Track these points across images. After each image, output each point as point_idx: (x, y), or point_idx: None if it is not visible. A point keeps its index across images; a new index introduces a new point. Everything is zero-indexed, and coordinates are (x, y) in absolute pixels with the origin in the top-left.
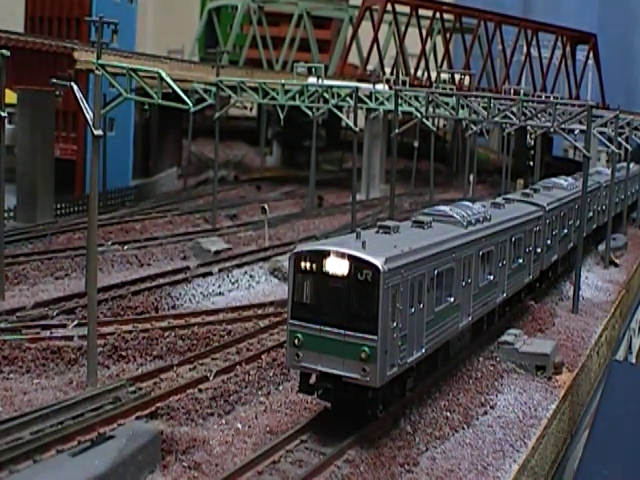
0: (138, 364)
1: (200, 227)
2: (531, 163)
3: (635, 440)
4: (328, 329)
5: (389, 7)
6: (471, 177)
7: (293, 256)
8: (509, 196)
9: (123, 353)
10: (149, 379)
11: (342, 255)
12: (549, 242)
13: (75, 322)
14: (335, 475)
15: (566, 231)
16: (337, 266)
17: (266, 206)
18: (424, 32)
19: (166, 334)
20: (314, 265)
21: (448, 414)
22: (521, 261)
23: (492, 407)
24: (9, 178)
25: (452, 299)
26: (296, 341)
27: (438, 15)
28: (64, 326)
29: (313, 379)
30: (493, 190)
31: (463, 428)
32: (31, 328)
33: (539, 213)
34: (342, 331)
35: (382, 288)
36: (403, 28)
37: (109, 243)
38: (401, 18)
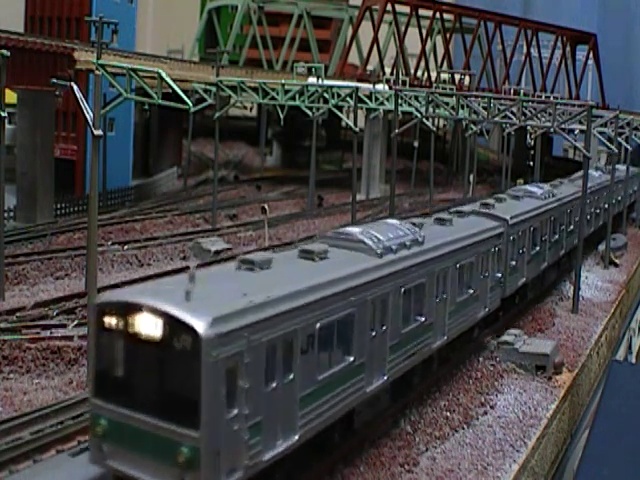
0: None
1: (200, 227)
2: (531, 163)
3: (635, 440)
4: (138, 416)
5: (389, 7)
6: (471, 177)
7: (95, 309)
8: (464, 208)
9: None
10: None
11: (154, 311)
12: (514, 263)
13: (75, 322)
14: (335, 475)
15: (538, 248)
16: (149, 326)
17: (266, 206)
18: (424, 32)
19: None
20: (121, 323)
21: (448, 414)
22: (472, 291)
23: (492, 407)
24: (9, 178)
25: (352, 357)
26: (99, 429)
27: (438, 15)
28: (64, 326)
29: None
30: (493, 190)
31: (463, 428)
32: (31, 328)
33: (500, 229)
34: (155, 420)
35: (205, 361)
36: (403, 28)
37: (109, 243)
38: (401, 18)
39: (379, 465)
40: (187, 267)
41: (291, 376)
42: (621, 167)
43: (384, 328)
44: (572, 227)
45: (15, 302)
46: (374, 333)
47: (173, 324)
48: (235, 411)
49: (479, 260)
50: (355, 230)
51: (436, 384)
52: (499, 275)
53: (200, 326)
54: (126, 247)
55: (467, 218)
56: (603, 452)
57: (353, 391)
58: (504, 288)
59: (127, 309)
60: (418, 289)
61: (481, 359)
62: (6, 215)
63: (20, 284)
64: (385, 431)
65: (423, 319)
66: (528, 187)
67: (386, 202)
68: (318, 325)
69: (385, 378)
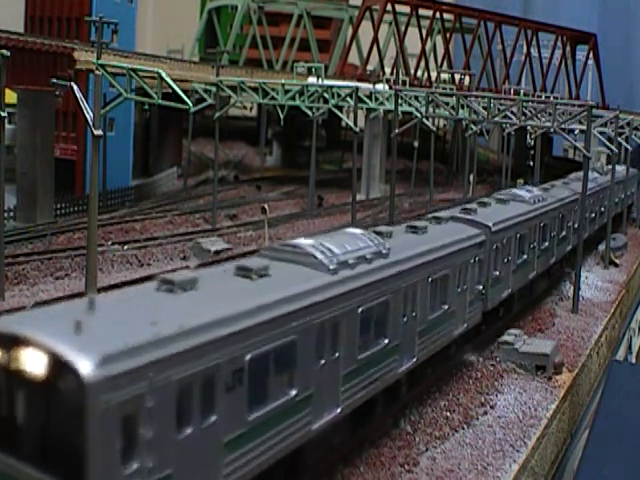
0: None
1: (200, 227)
2: (531, 163)
3: (635, 440)
4: (20, 466)
5: (389, 7)
6: (471, 177)
7: None
8: (442, 214)
9: None
10: None
11: (38, 345)
12: (498, 274)
13: None
14: (335, 475)
15: (526, 257)
16: (31, 363)
17: (266, 206)
18: (424, 32)
19: None
20: (4, 357)
21: (448, 414)
22: (447, 307)
23: (492, 407)
24: (9, 178)
25: (294, 391)
26: None
27: (438, 15)
28: None
29: None
30: (493, 190)
31: (463, 428)
32: None
33: (481, 237)
34: (38, 474)
35: (92, 408)
36: (403, 28)
37: (109, 243)
38: (401, 18)
39: (379, 465)
40: (187, 267)
41: (213, 418)
42: (619, 168)
43: (336, 355)
44: (564, 233)
45: (15, 302)
46: (323, 361)
47: (56, 362)
48: (135, 465)
49: (456, 272)
50: (305, 242)
51: (436, 384)
52: (480, 287)
53: (85, 366)
54: (126, 247)
55: (444, 225)
56: (603, 452)
57: (296, 429)
58: (486, 301)
59: (9, 341)
60: (380, 308)
61: (481, 359)
62: (6, 215)
63: (20, 284)
64: (385, 431)
65: (386, 341)
66: (516, 191)
67: (386, 202)
68: (249, 357)
69: (338, 411)
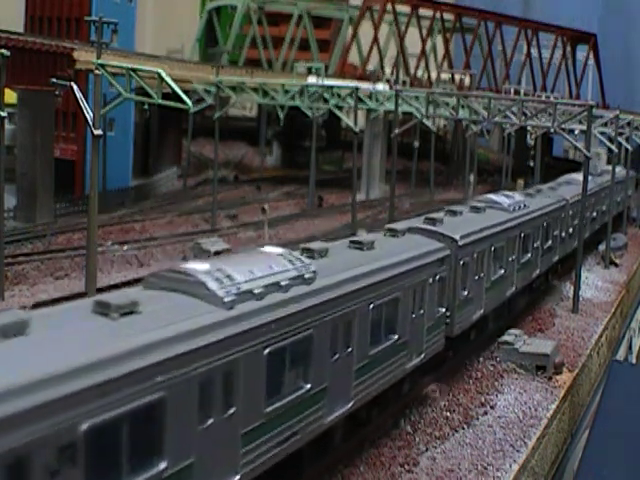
0: None
1: (200, 227)
2: (531, 163)
3: (635, 440)
4: None
5: (389, 7)
6: (471, 177)
7: None
8: (399, 225)
9: None
10: None
11: None
12: (466, 293)
13: None
14: (335, 475)
15: (503, 272)
16: None
17: (266, 206)
18: (424, 32)
19: None
20: None
21: (448, 414)
22: (396, 337)
23: (492, 407)
24: (9, 178)
25: (164, 464)
26: None
27: (438, 15)
28: None
29: None
30: (493, 190)
31: (463, 428)
32: None
33: (444, 252)
34: None
35: None
36: (403, 28)
37: (109, 243)
38: (401, 18)
39: (379, 465)
40: None
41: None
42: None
43: (230, 412)
44: (550, 243)
45: (15, 302)
46: (210, 421)
47: None
48: None
49: (409, 295)
50: (199, 267)
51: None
52: (442, 310)
53: None
54: (126, 247)
55: (400, 239)
56: (603, 452)
57: None
58: (451, 325)
59: None
60: (298, 347)
61: (481, 359)
62: (6, 215)
63: (20, 284)
64: (385, 431)
65: (308, 386)
66: (493, 197)
67: (386, 202)
68: (85, 427)
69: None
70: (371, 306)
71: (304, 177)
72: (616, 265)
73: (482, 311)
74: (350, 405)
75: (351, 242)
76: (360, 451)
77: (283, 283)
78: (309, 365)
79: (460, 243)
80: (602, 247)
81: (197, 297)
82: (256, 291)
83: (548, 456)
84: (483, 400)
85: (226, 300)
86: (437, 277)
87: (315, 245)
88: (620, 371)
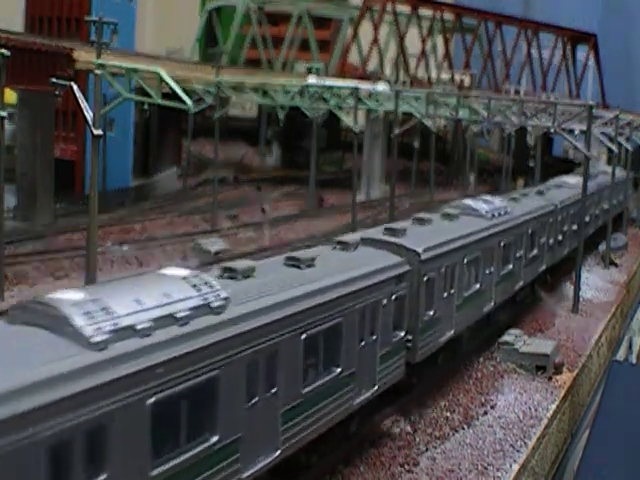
0: None
1: (200, 227)
2: (531, 163)
3: (635, 440)
4: None
5: (389, 7)
6: (471, 177)
7: None
8: (352, 237)
9: None
10: None
11: None
12: (432, 313)
13: None
14: (335, 475)
15: (478, 286)
16: None
17: (266, 206)
18: (424, 32)
19: None
20: None
21: (448, 414)
22: (339, 370)
23: (492, 407)
24: (9, 178)
25: (216, 438)
26: None
27: (438, 15)
28: None
29: None
30: (494, 190)
31: (463, 428)
32: None
33: (403, 267)
34: None
35: None
36: (403, 28)
37: (109, 243)
38: (401, 18)
39: (379, 465)
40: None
41: None
42: (609, 169)
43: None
44: (536, 252)
45: (15, 302)
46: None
47: None
48: None
49: (355, 320)
50: (68, 298)
51: (436, 384)
52: (402, 334)
53: None
54: (126, 247)
55: (351, 253)
56: (603, 452)
57: None
58: (413, 350)
59: None
60: (199, 394)
61: (481, 359)
62: (6, 215)
63: (20, 284)
64: (385, 431)
65: (215, 439)
66: (470, 202)
67: (386, 202)
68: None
69: None
70: (304, 336)
71: (304, 177)
72: (616, 265)
73: (452, 332)
74: (277, 454)
75: (287, 259)
76: (360, 451)
77: (181, 315)
78: (215, 415)
79: (423, 257)
80: (602, 247)
81: (59, 335)
82: (140, 326)
83: (548, 456)
84: (483, 400)
85: (95, 339)
86: (394, 297)
87: (239, 264)
88: (620, 371)
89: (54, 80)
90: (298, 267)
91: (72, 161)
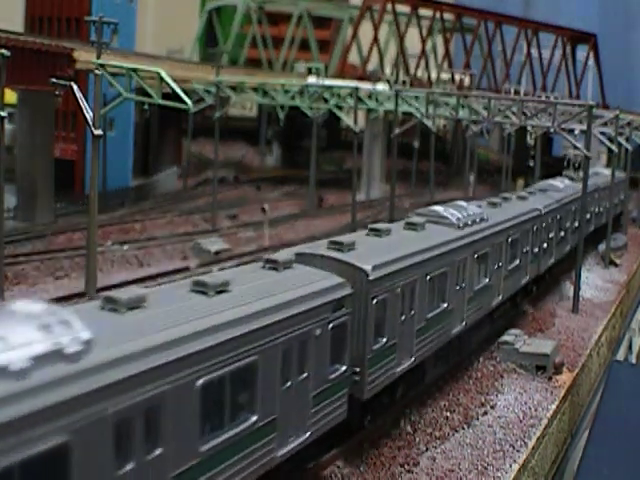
0: None
1: (200, 227)
2: (531, 163)
3: (635, 440)
4: None
5: (389, 7)
6: (471, 177)
7: None
8: (285, 254)
9: None
10: None
11: None
12: (385, 340)
13: None
14: (335, 475)
15: (445, 305)
16: None
17: (266, 206)
18: (424, 32)
19: None
20: None
21: (448, 414)
22: (254, 419)
23: (492, 407)
24: (9, 178)
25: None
26: None
27: (438, 15)
28: None
29: None
30: (494, 190)
31: (463, 428)
32: None
33: (345, 290)
34: None
35: None
36: (403, 28)
37: (109, 243)
38: (401, 18)
39: (379, 465)
40: (187, 268)
41: None
42: (605, 171)
43: None
44: (518, 262)
45: (15, 302)
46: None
47: None
48: None
49: (275, 358)
50: None
51: (436, 384)
52: (343, 368)
53: None
54: (126, 247)
55: (280, 273)
56: (603, 452)
57: None
58: (361, 386)
59: None
60: (48, 465)
61: (481, 359)
62: (6, 215)
63: (20, 284)
64: (385, 431)
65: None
66: (439, 210)
67: (386, 202)
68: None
69: None
70: (199, 383)
71: (304, 177)
72: (616, 265)
73: (412, 359)
74: None
75: (195, 283)
76: (360, 451)
77: (16, 367)
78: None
79: (372, 276)
80: (602, 247)
81: None
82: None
83: (548, 456)
84: (483, 400)
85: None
86: (331, 325)
87: (125, 294)
88: (620, 371)
89: (54, 80)
90: (205, 293)
91: (72, 161)
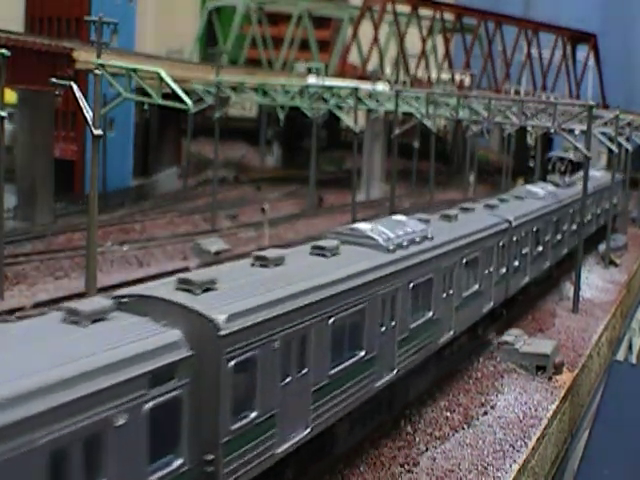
0: None
1: (200, 227)
2: (531, 163)
3: (635, 440)
4: None
5: (389, 7)
6: (471, 177)
7: None
8: (96, 301)
9: None
10: None
11: None
12: (254, 414)
13: None
14: (335, 475)
15: (363, 354)
16: None
17: (266, 206)
18: (424, 32)
19: None
20: None
21: (448, 414)
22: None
23: (492, 407)
24: (9, 178)
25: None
26: None
27: (438, 15)
28: None
29: None
30: (494, 190)
31: (463, 428)
32: None
33: (172, 354)
34: None
35: None
36: (403, 28)
37: (109, 243)
38: (401, 18)
39: (379, 465)
40: (186, 268)
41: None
42: (598, 174)
43: None
44: (477, 288)
45: (15, 302)
46: None
47: None
48: None
49: (40, 463)
50: None
51: (436, 384)
52: (179, 462)
53: None
54: (126, 247)
55: (83, 330)
56: (603, 452)
57: None
58: (216, 478)
59: None
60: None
61: (481, 359)
62: (6, 215)
63: (20, 284)
64: (385, 431)
65: None
66: (366, 229)
67: (386, 202)
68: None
69: None
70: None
71: (304, 177)
72: (616, 265)
73: (307, 431)
74: None
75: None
76: (360, 451)
77: None
78: None
79: (225, 330)
80: (602, 247)
81: None
82: None
83: (548, 456)
84: (483, 400)
85: None
86: (150, 406)
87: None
88: (620, 371)
89: (54, 80)
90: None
91: (72, 161)
